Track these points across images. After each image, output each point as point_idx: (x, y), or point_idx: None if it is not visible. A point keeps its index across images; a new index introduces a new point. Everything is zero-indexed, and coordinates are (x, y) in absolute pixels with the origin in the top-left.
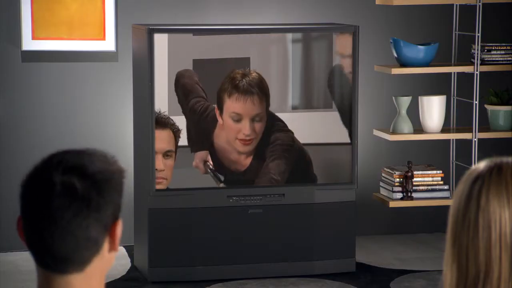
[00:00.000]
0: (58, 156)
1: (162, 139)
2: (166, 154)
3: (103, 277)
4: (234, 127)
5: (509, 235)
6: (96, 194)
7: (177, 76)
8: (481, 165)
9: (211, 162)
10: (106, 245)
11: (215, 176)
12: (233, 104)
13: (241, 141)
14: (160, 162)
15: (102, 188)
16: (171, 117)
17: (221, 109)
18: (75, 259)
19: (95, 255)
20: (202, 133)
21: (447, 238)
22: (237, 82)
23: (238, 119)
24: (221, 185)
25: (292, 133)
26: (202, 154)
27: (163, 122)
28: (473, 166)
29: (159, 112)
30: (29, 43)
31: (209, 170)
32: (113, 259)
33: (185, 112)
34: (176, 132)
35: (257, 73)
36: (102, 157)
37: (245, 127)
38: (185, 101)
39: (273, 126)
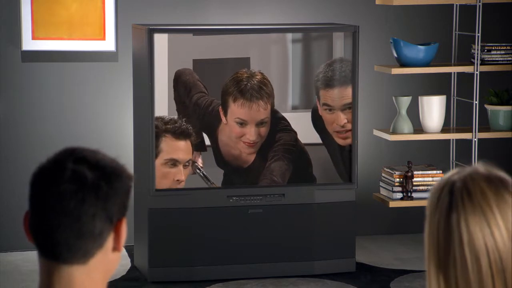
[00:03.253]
0: (70, 149)
1: (185, 150)
2: (185, 165)
3: (106, 277)
4: (239, 130)
5: (499, 261)
6: (106, 184)
7: (176, 74)
8: (447, 187)
9: (200, 164)
10: (110, 241)
11: (205, 177)
12: (238, 110)
13: (245, 143)
14: (181, 173)
15: (111, 180)
16: (172, 116)
17: (225, 110)
18: (78, 248)
19: (99, 248)
20: (205, 127)
21: (429, 270)
22: (242, 86)
23: (243, 124)
24: (218, 184)
25: (295, 133)
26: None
27: (187, 133)
28: (436, 187)
29: (182, 121)
30: (29, 43)
31: (197, 171)
32: (117, 261)
33: (183, 109)
34: (193, 143)
35: (261, 74)
36: (113, 159)
37: (250, 133)
38: (188, 97)
39: (277, 125)
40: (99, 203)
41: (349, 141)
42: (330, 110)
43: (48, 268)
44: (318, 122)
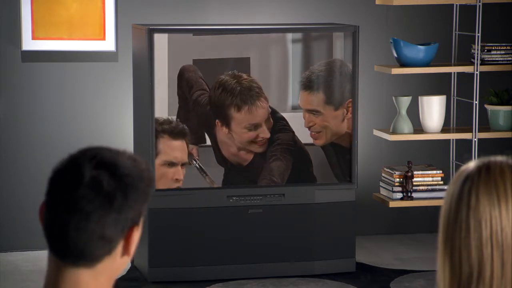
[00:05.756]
0: (93, 150)
1: (181, 150)
2: (183, 164)
3: (112, 280)
4: (251, 134)
5: (500, 234)
6: (121, 196)
7: (181, 70)
8: (471, 165)
9: (196, 155)
10: (120, 248)
11: (200, 168)
12: (246, 117)
13: (259, 144)
14: (180, 173)
15: (128, 192)
16: (171, 116)
17: (227, 122)
18: (86, 253)
19: (107, 255)
20: (204, 125)
21: (439, 239)
22: (240, 93)
23: (254, 128)
24: (216, 180)
25: (293, 132)
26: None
27: (183, 133)
28: (463, 167)
29: (177, 121)
30: (29, 43)
31: (193, 162)
32: (125, 264)
33: (184, 104)
34: (189, 142)
35: (244, 73)
36: (135, 162)
37: (264, 132)
38: (189, 93)
39: (275, 125)
40: (113, 213)
41: (319, 142)
42: (302, 111)
43: (56, 266)
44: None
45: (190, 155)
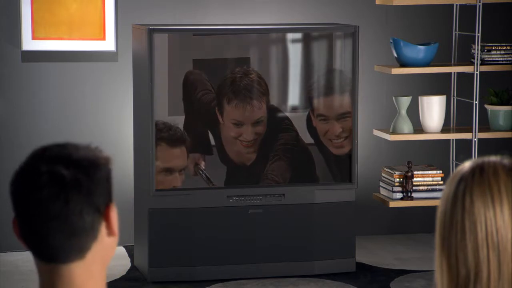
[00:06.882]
0: (41, 149)
1: (180, 157)
2: (180, 171)
3: (104, 265)
4: (236, 131)
5: (495, 235)
6: (85, 178)
7: (186, 74)
8: (465, 166)
9: (203, 166)
10: (103, 230)
11: (207, 179)
12: (233, 111)
13: (243, 144)
14: (178, 180)
15: (90, 173)
16: (171, 116)
17: (221, 111)
18: (74, 246)
19: (93, 241)
20: (209, 124)
21: (436, 241)
22: (235, 87)
23: (239, 125)
24: (221, 182)
25: (297, 132)
26: (194, 156)
27: (182, 140)
28: (458, 168)
29: (177, 127)
30: (29, 43)
31: (200, 172)
32: (113, 246)
33: (188, 109)
34: (188, 148)
35: (255, 71)
36: (86, 147)
37: (247, 133)
38: (193, 94)
39: (278, 124)
40: (83, 198)
41: (344, 150)
42: (325, 120)
43: (47, 270)
44: (312, 132)
45: (196, 165)
